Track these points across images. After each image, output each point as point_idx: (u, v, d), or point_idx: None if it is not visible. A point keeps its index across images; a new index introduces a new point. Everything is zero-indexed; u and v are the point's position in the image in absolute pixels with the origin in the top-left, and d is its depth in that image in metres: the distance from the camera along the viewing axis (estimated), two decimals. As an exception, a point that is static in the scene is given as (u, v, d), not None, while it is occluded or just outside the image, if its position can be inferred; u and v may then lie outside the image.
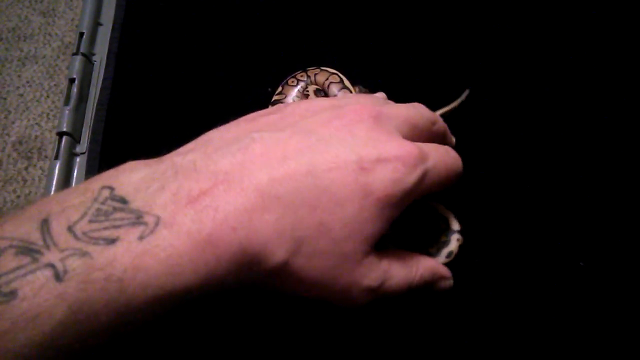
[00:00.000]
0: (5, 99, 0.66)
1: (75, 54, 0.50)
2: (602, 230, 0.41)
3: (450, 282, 0.35)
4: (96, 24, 0.53)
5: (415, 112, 0.33)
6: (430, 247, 0.37)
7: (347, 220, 0.27)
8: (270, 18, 0.53)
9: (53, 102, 0.65)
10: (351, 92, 0.45)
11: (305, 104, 0.32)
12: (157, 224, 0.23)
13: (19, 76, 0.68)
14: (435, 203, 0.39)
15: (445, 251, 0.37)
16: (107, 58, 0.51)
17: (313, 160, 0.26)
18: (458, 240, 0.37)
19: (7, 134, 0.63)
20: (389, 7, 0.53)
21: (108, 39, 0.52)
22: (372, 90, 0.45)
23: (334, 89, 0.45)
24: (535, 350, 0.37)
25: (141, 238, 0.22)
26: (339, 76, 0.46)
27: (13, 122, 0.64)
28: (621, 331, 0.37)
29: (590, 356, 0.37)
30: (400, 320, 0.38)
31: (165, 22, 0.53)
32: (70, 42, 0.70)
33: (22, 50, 0.69)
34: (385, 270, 0.30)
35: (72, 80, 0.48)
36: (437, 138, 0.35)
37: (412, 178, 0.28)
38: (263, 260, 0.25)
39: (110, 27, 0.52)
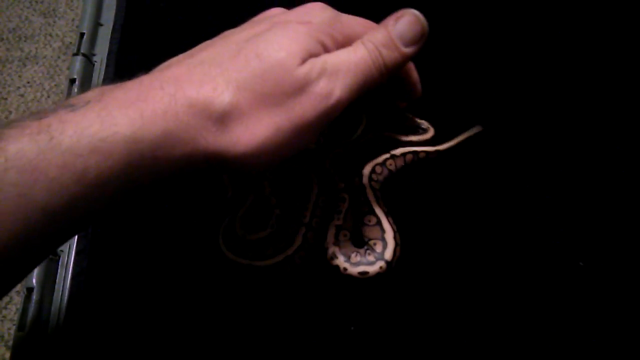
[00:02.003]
0: (5, 99, 0.66)
1: (76, 54, 0.50)
2: (602, 230, 0.41)
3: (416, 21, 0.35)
4: (97, 24, 0.53)
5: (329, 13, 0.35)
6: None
7: (277, 43, 0.29)
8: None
9: (54, 102, 0.65)
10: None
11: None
12: (87, 102, 0.26)
13: (19, 76, 0.68)
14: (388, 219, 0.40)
15: (364, 268, 0.37)
16: (108, 58, 0.51)
17: (233, 33, 0.33)
18: (381, 267, 0.37)
19: (8, 134, 0.63)
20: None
21: (108, 39, 0.52)
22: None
23: None
24: (535, 350, 0.37)
25: (73, 109, 0.26)
26: None
27: (14, 123, 0.64)
28: (621, 331, 0.37)
29: (590, 356, 0.37)
30: (400, 320, 0.38)
31: (165, 22, 0.53)
32: (70, 43, 0.70)
33: (22, 51, 0.69)
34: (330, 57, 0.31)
35: (72, 81, 0.48)
36: None
37: (327, 13, 0.33)
38: (206, 107, 0.27)
39: (111, 28, 0.53)
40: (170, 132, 0.26)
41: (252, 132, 0.28)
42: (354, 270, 0.37)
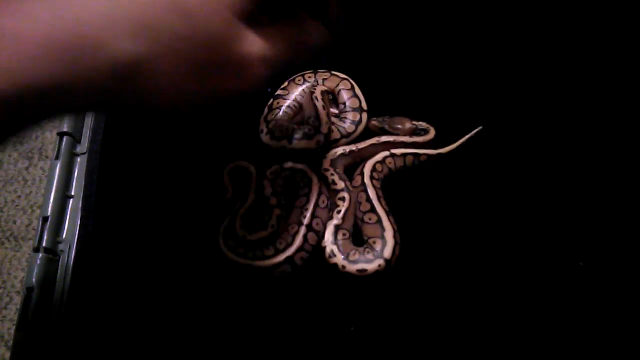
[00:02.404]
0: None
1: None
2: (602, 230, 0.41)
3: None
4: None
5: None
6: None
7: None
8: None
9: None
10: (361, 100, 0.45)
11: None
12: None
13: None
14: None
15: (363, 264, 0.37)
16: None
17: None
18: (379, 265, 0.37)
19: (8, 134, 0.63)
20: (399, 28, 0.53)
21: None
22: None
23: (344, 95, 0.46)
24: (535, 350, 0.37)
25: None
26: (350, 82, 0.46)
27: (14, 122, 0.64)
28: (621, 331, 0.37)
29: (590, 356, 0.37)
30: (399, 322, 0.38)
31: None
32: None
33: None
34: (267, 33, 0.27)
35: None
36: None
37: None
38: (101, 52, 0.22)
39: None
40: (60, 79, 0.22)
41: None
42: (353, 267, 0.37)
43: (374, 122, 0.44)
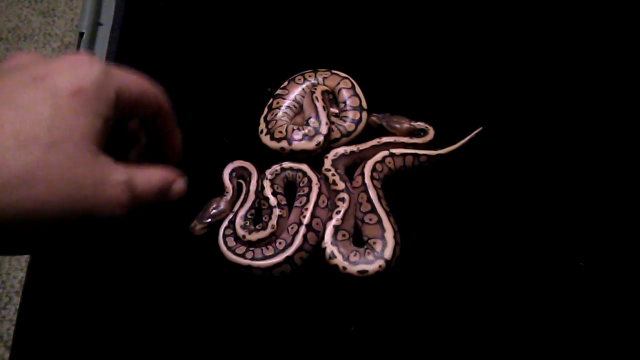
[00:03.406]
0: (5, 99, 0.66)
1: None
2: (602, 230, 0.41)
3: (182, 185, 0.34)
4: (96, 24, 0.53)
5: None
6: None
7: (49, 122, 0.26)
8: (271, 18, 0.53)
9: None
10: (361, 99, 0.45)
11: None
12: None
13: (18, 76, 0.68)
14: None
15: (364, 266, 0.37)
16: (107, 58, 0.51)
17: None
18: (380, 266, 0.37)
19: (7, 134, 0.63)
20: (400, 20, 0.53)
21: (107, 39, 0.52)
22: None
23: (345, 94, 0.45)
24: (535, 350, 0.37)
25: None
26: (350, 81, 0.46)
27: (13, 122, 0.64)
28: (621, 331, 0.37)
29: (591, 356, 0.37)
30: (398, 325, 0.38)
31: (165, 22, 0.53)
32: (70, 42, 0.70)
33: (22, 50, 0.69)
34: (128, 166, 0.30)
35: (71, 80, 0.48)
36: None
37: (95, 71, 0.28)
38: None
39: (110, 27, 0.52)
40: None
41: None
42: (353, 269, 0.37)
43: (373, 118, 0.44)
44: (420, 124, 0.44)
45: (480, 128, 0.44)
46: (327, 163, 0.42)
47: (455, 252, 0.40)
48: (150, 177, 0.31)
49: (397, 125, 0.44)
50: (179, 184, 0.34)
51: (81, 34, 0.50)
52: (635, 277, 0.39)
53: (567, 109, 0.47)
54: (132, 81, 0.31)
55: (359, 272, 0.37)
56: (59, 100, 0.27)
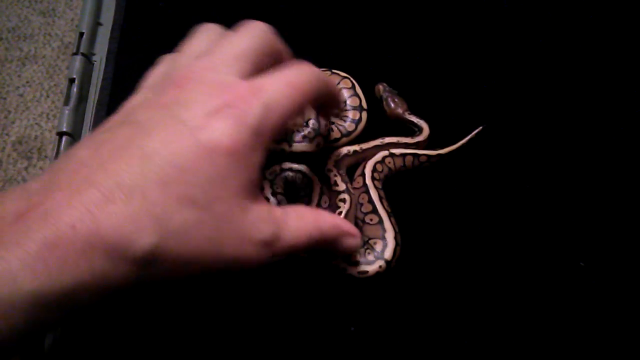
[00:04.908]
0: (5, 99, 0.66)
1: (75, 53, 0.50)
2: (602, 230, 0.41)
3: (357, 241, 0.32)
4: (96, 24, 0.53)
5: (252, 40, 0.31)
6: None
7: (205, 183, 0.25)
8: (271, 18, 0.53)
9: (53, 102, 0.65)
10: (361, 99, 0.45)
11: (139, 96, 0.31)
12: None
13: (18, 76, 0.68)
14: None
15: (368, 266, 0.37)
16: (107, 58, 0.51)
17: (144, 142, 0.25)
18: (380, 267, 0.37)
19: (7, 134, 0.63)
20: (402, 19, 0.53)
21: (108, 38, 0.52)
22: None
23: (345, 94, 0.46)
24: (535, 350, 0.37)
25: None
26: (350, 81, 0.46)
27: (13, 122, 0.64)
28: (621, 331, 0.37)
29: (591, 356, 0.37)
30: (398, 326, 0.38)
31: (165, 22, 0.53)
32: (70, 42, 0.70)
33: (22, 50, 0.69)
34: (279, 219, 0.29)
35: (72, 80, 0.48)
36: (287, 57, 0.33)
37: (251, 116, 0.27)
38: (125, 250, 0.23)
39: (110, 27, 0.52)
40: (82, 282, 0.23)
41: (180, 271, 0.26)
42: (354, 269, 0.37)
43: (380, 87, 0.46)
44: (412, 117, 0.44)
45: (481, 127, 0.44)
46: (330, 163, 0.42)
47: (455, 252, 0.40)
48: (303, 229, 0.30)
49: (392, 105, 0.45)
50: (352, 240, 0.32)
51: (81, 34, 0.50)
52: (635, 277, 0.39)
53: (567, 109, 0.47)
54: (296, 102, 0.29)
55: (359, 272, 0.37)
56: (216, 158, 0.26)
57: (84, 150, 0.26)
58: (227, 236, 0.27)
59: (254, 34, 0.31)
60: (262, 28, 0.32)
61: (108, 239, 0.23)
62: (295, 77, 0.29)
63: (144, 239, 0.24)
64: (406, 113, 0.44)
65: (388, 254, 0.37)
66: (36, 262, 0.22)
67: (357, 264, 0.37)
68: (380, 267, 0.37)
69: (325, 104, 0.34)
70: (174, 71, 0.30)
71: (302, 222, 0.30)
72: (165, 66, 0.33)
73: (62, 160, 0.27)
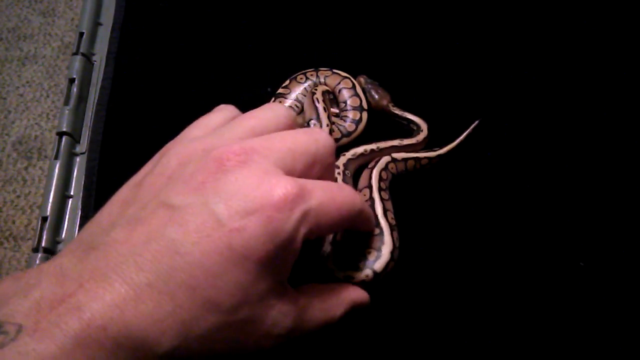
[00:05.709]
0: (5, 98, 0.66)
1: (75, 53, 0.50)
2: (602, 230, 0.41)
3: (367, 303, 0.33)
4: (96, 24, 0.53)
5: (306, 138, 0.29)
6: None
7: (233, 289, 0.25)
8: (271, 18, 0.53)
9: (53, 102, 0.65)
10: (362, 99, 0.45)
11: (166, 160, 0.29)
12: (18, 331, 0.22)
13: (18, 76, 0.68)
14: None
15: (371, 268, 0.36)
16: (107, 58, 0.51)
17: (176, 236, 0.24)
18: (366, 276, 0.36)
19: (7, 134, 0.63)
20: (400, 19, 0.53)
21: (108, 39, 0.52)
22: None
23: (345, 94, 0.45)
24: (535, 350, 0.37)
25: (2, 346, 0.22)
26: (351, 81, 0.46)
27: (13, 122, 0.64)
28: (621, 331, 0.37)
29: (591, 356, 0.37)
30: (397, 327, 0.38)
31: (165, 23, 0.53)
32: (70, 42, 0.70)
33: (21, 50, 0.69)
34: (301, 311, 0.29)
35: (72, 80, 0.48)
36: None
37: (289, 225, 0.25)
38: (149, 350, 0.24)
39: (110, 27, 0.52)
40: None
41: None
42: (340, 273, 0.36)
43: (361, 79, 0.46)
44: (408, 115, 0.44)
45: (477, 121, 0.44)
46: (340, 161, 0.41)
47: (454, 252, 0.40)
48: (322, 318, 0.30)
49: (377, 97, 0.45)
50: (363, 305, 0.33)
51: (81, 34, 0.50)
52: (635, 277, 0.39)
53: (568, 109, 0.47)
54: (332, 208, 0.27)
55: (344, 277, 0.36)
56: (247, 265, 0.25)
57: (118, 230, 0.26)
58: (249, 336, 0.27)
59: (309, 135, 0.29)
60: (320, 132, 0.30)
61: (135, 339, 0.23)
62: (339, 194, 0.28)
63: (169, 341, 0.24)
64: (390, 105, 0.45)
65: (378, 266, 0.36)
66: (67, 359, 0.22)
67: (346, 268, 0.36)
68: (366, 276, 0.36)
69: (356, 228, 0.33)
70: (216, 148, 0.27)
71: (322, 308, 0.30)
72: (210, 137, 0.30)
73: (96, 230, 0.27)
